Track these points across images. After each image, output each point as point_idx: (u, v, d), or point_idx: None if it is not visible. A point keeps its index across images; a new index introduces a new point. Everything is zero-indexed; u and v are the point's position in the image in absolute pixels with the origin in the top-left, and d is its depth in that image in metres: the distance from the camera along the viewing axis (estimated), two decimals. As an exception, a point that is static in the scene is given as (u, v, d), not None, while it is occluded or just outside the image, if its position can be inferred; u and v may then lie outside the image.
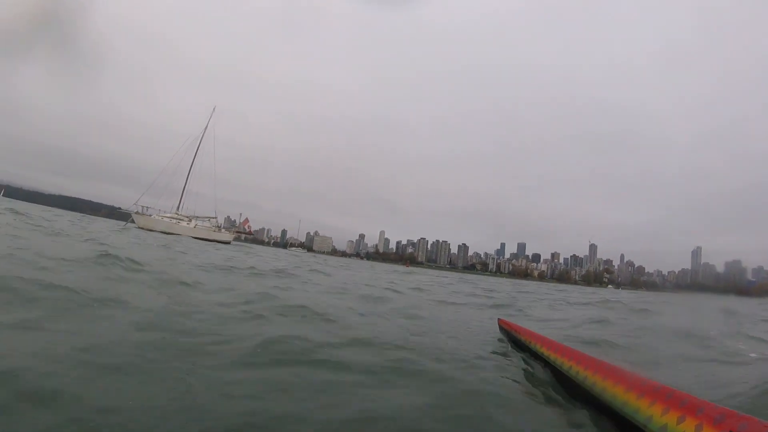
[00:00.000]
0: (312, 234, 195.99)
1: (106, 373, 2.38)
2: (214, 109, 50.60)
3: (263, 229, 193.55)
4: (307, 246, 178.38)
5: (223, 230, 46.91)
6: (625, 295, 32.62)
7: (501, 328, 4.24)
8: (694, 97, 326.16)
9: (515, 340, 3.73)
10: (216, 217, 46.82)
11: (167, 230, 42.40)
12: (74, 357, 2.51)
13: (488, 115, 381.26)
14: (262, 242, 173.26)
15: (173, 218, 44.47)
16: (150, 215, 43.83)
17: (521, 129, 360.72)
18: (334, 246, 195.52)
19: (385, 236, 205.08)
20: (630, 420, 1.95)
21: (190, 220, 45.33)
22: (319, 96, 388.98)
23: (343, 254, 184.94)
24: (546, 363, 3.04)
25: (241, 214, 50.57)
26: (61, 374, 2.25)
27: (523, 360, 3.44)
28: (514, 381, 3.00)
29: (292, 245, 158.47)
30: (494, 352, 3.73)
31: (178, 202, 46.57)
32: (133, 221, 43.39)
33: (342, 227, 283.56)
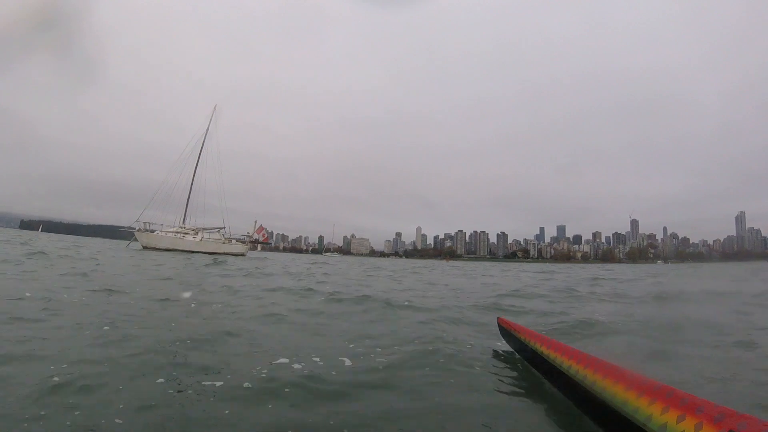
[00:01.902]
0: (349, 237, 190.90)
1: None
2: (215, 107, 44.55)
3: (300, 237, 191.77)
4: (345, 250, 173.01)
5: (234, 241, 40.68)
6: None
7: (500, 328, 3.88)
8: (717, 48, 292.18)
9: (515, 340, 3.49)
10: (224, 228, 40.77)
11: (171, 246, 36.91)
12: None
13: (514, 96, 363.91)
14: (300, 250, 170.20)
15: (177, 233, 38.83)
16: (153, 231, 38.49)
17: (549, 107, 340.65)
18: (372, 247, 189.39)
19: (422, 232, 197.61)
20: (629, 419, 1.90)
21: (197, 233, 39.57)
22: (340, 100, 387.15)
23: (381, 254, 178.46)
24: (545, 362, 2.84)
25: (256, 221, 43.07)
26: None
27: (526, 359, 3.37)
28: (514, 382, 2.99)
29: (328, 250, 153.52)
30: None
31: (183, 215, 40.90)
32: (136, 239, 38.24)
33: (378, 227, 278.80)
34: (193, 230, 39.75)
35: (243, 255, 38.87)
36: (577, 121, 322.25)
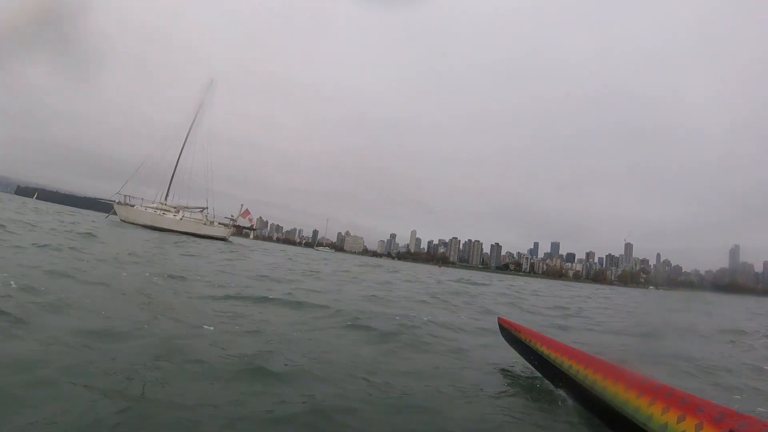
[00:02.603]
0: (343, 234, 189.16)
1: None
2: (211, 81, 43.03)
3: (295, 229, 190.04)
4: (338, 246, 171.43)
5: (216, 224, 39.06)
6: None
7: (501, 327, 3.71)
8: (729, 80, 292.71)
9: (516, 339, 3.39)
10: (207, 207, 39.19)
11: (151, 223, 35.37)
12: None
13: (521, 109, 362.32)
14: (293, 242, 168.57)
15: (158, 209, 37.27)
16: (133, 206, 36.96)
17: (554, 124, 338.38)
18: (365, 246, 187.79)
19: (417, 236, 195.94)
20: (630, 419, 1.86)
21: (178, 211, 38.03)
22: (346, 98, 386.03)
23: (374, 254, 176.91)
24: (546, 362, 2.78)
25: (242, 205, 41.32)
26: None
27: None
28: (517, 380, 2.91)
29: (321, 245, 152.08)
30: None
31: (165, 191, 39.30)
32: (115, 213, 36.78)
33: (373, 227, 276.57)
34: (174, 208, 38.28)
35: (224, 239, 37.34)
36: (581, 140, 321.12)
